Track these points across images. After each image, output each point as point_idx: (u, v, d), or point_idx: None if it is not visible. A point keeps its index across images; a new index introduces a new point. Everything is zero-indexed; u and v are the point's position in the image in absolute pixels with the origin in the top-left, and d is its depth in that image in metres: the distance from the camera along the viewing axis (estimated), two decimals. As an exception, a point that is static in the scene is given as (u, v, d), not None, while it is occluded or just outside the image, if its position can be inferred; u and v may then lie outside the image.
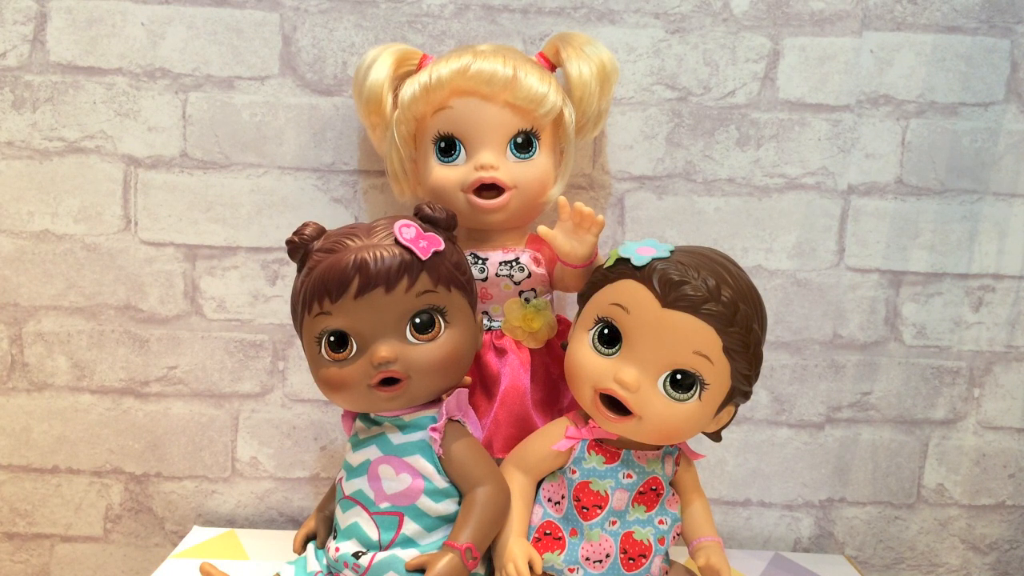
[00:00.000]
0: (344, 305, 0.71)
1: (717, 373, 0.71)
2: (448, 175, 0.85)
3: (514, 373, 0.85)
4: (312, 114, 1.00)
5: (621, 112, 1.00)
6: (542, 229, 0.78)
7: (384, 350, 0.72)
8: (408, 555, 0.74)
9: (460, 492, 0.76)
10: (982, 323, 1.04)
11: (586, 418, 0.77)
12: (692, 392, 0.71)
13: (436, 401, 0.77)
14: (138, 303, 1.03)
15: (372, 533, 0.75)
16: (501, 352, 0.86)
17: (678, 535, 0.80)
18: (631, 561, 0.77)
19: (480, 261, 0.86)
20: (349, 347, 0.73)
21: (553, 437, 0.78)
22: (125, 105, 0.99)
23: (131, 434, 1.05)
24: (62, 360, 1.03)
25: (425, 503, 0.75)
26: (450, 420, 0.76)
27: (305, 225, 0.75)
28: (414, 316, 0.73)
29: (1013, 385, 1.05)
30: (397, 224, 0.72)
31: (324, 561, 0.79)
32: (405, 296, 0.72)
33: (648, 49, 0.99)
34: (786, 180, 1.01)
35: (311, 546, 0.83)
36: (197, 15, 0.98)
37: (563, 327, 0.88)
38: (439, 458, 0.75)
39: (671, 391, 0.71)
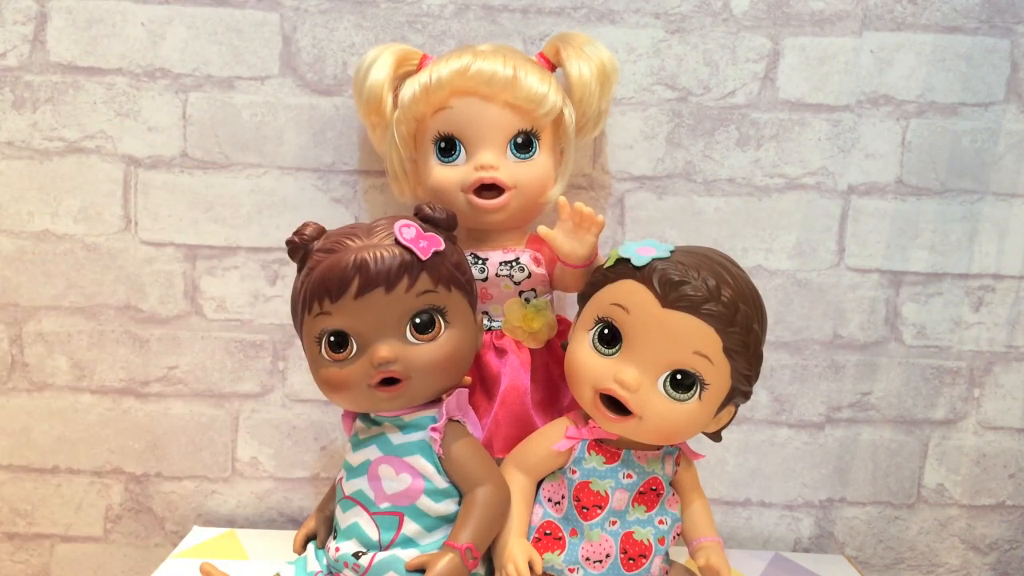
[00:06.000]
0: (344, 305, 0.71)
1: (717, 373, 0.71)
2: (448, 175, 0.85)
3: (514, 373, 0.85)
4: (312, 114, 1.00)
5: (621, 112, 1.00)
6: (542, 229, 0.78)
7: (384, 350, 0.72)
8: (408, 555, 0.74)
9: (460, 492, 0.76)
10: (982, 323, 1.04)
11: (586, 418, 0.77)
12: (692, 392, 0.71)
13: (436, 401, 0.77)
14: (138, 303, 1.03)
15: (372, 533, 0.75)
16: (501, 352, 0.86)
17: (678, 535, 0.80)
18: (631, 561, 0.77)
19: (480, 261, 0.86)
20: (349, 347, 0.73)
21: (553, 437, 0.78)
22: (125, 105, 0.99)
23: (131, 434, 1.05)
24: (62, 360, 1.03)
25: (425, 503, 0.75)
26: (450, 420, 0.76)
27: (305, 225, 0.75)
28: (414, 316, 0.73)
29: (1013, 385, 1.05)
30: (397, 224, 0.72)
31: (324, 561, 0.79)
32: (405, 296, 0.72)
33: (648, 49, 0.99)
34: (786, 180, 1.01)
35: (311, 546, 0.83)
36: (197, 15, 0.98)
37: (563, 327, 0.88)
38: (439, 458, 0.75)
39: (671, 391, 0.71)
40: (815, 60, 0.99)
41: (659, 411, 0.72)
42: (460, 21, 0.98)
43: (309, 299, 0.73)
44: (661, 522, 0.78)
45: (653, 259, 0.71)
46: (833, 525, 1.08)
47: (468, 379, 0.85)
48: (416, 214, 0.77)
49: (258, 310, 1.03)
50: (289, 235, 0.76)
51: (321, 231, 0.75)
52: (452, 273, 0.74)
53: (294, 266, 0.77)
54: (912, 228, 1.02)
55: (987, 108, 1.01)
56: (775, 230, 1.02)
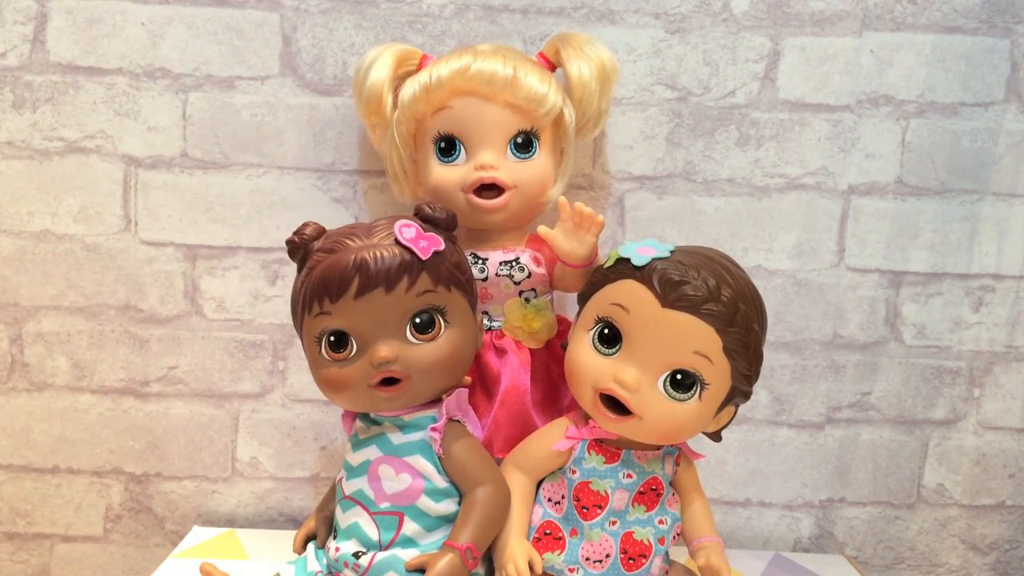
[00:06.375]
0: (344, 305, 0.71)
1: (717, 373, 0.71)
2: (448, 175, 0.85)
3: (514, 373, 0.85)
4: (312, 114, 1.00)
5: (621, 112, 1.00)
6: (542, 229, 0.78)
7: (384, 350, 0.72)
8: (408, 555, 0.74)
9: (460, 492, 0.76)
10: (982, 323, 1.04)
11: (586, 418, 0.77)
12: (692, 392, 0.71)
13: (436, 401, 0.77)
14: (138, 303, 1.03)
15: (372, 533, 0.75)
16: (501, 352, 0.86)
17: (678, 535, 0.80)
18: (631, 561, 0.77)
19: (480, 261, 0.86)
20: (349, 347, 0.73)
21: (553, 437, 0.78)
22: (125, 105, 0.99)
23: (131, 434, 1.05)
24: (62, 360, 1.03)
25: (425, 503, 0.75)
26: (450, 420, 0.76)
27: (305, 225, 0.75)
28: (414, 316, 0.73)
29: (1013, 385, 1.05)
30: (397, 224, 0.72)
31: (324, 561, 0.79)
32: (405, 296, 0.72)
33: (648, 49, 0.99)
34: (786, 180, 1.01)
35: (311, 546, 0.83)
36: (197, 15, 0.98)
37: (563, 327, 0.88)
38: (439, 458, 0.75)
39: (671, 391, 0.71)
40: (815, 60, 0.99)
41: (659, 411, 0.72)
42: (460, 21, 0.98)
43: (309, 299, 0.72)
44: (661, 522, 0.78)
45: (653, 259, 0.71)
46: (833, 525, 1.08)
47: (468, 379, 0.85)
48: (416, 214, 0.77)
49: (258, 310, 1.03)
50: (289, 235, 0.76)
51: (321, 231, 0.75)
52: (452, 273, 0.74)
53: (294, 266, 0.77)
54: (912, 228, 1.02)
55: (987, 108, 1.01)
56: (775, 230, 1.02)
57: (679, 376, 0.71)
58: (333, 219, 0.94)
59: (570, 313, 0.86)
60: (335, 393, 0.75)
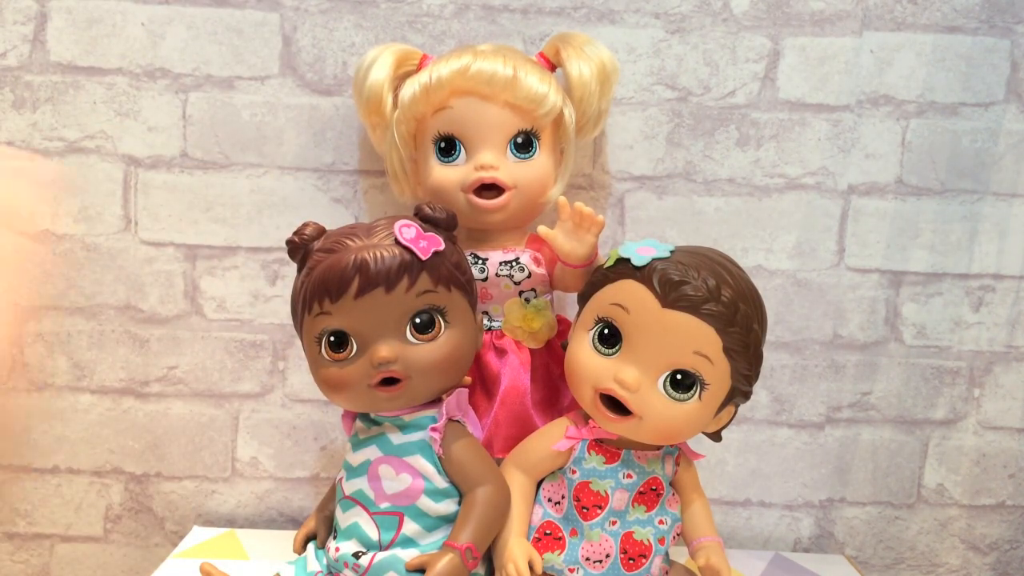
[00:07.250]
0: (344, 305, 0.71)
1: (717, 373, 0.71)
2: (448, 175, 0.85)
3: (514, 373, 0.85)
4: (312, 114, 1.00)
5: (621, 112, 1.00)
6: (542, 229, 0.78)
7: (384, 350, 0.72)
8: (408, 555, 0.74)
9: (460, 492, 0.76)
10: (982, 323, 1.04)
11: (586, 418, 0.77)
12: (692, 392, 0.71)
13: (436, 401, 0.77)
14: (138, 303, 1.03)
15: (372, 533, 0.75)
16: (501, 352, 0.86)
17: (678, 535, 0.80)
18: (631, 561, 0.77)
19: (480, 261, 0.86)
20: (349, 347, 0.73)
21: (553, 437, 0.78)
22: (125, 105, 0.99)
23: (131, 434, 1.05)
24: (62, 360, 1.03)
25: (425, 503, 0.75)
26: (450, 420, 0.76)
27: (305, 225, 0.75)
28: (414, 316, 0.73)
29: (1013, 385, 1.05)
30: (397, 224, 0.72)
31: (324, 561, 0.79)
32: (405, 296, 0.72)
33: (648, 49, 0.99)
34: (786, 180, 1.01)
35: (311, 546, 0.83)
36: (197, 15, 0.98)
37: (563, 327, 0.88)
38: (439, 458, 0.75)
39: (671, 391, 0.71)
40: (815, 60, 0.99)
41: (659, 411, 0.72)
42: (460, 21, 0.98)
43: (309, 299, 0.73)
44: (661, 522, 0.78)
45: (653, 259, 0.71)
46: (833, 525, 1.08)
47: (468, 379, 0.85)
48: (416, 214, 0.77)
49: (258, 310, 1.03)
50: (289, 235, 0.76)
51: (321, 231, 0.75)
52: (452, 273, 0.74)
53: (294, 266, 0.77)
54: (912, 228, 1.02)
55: (987, 108, 1.01)
56: (775, 230, 1.02)
57: (679, 376, 0.71)
58: (333, 219, 0.94)
59: (570, 313, 0.86)
60: (335, 393, 0.75)
